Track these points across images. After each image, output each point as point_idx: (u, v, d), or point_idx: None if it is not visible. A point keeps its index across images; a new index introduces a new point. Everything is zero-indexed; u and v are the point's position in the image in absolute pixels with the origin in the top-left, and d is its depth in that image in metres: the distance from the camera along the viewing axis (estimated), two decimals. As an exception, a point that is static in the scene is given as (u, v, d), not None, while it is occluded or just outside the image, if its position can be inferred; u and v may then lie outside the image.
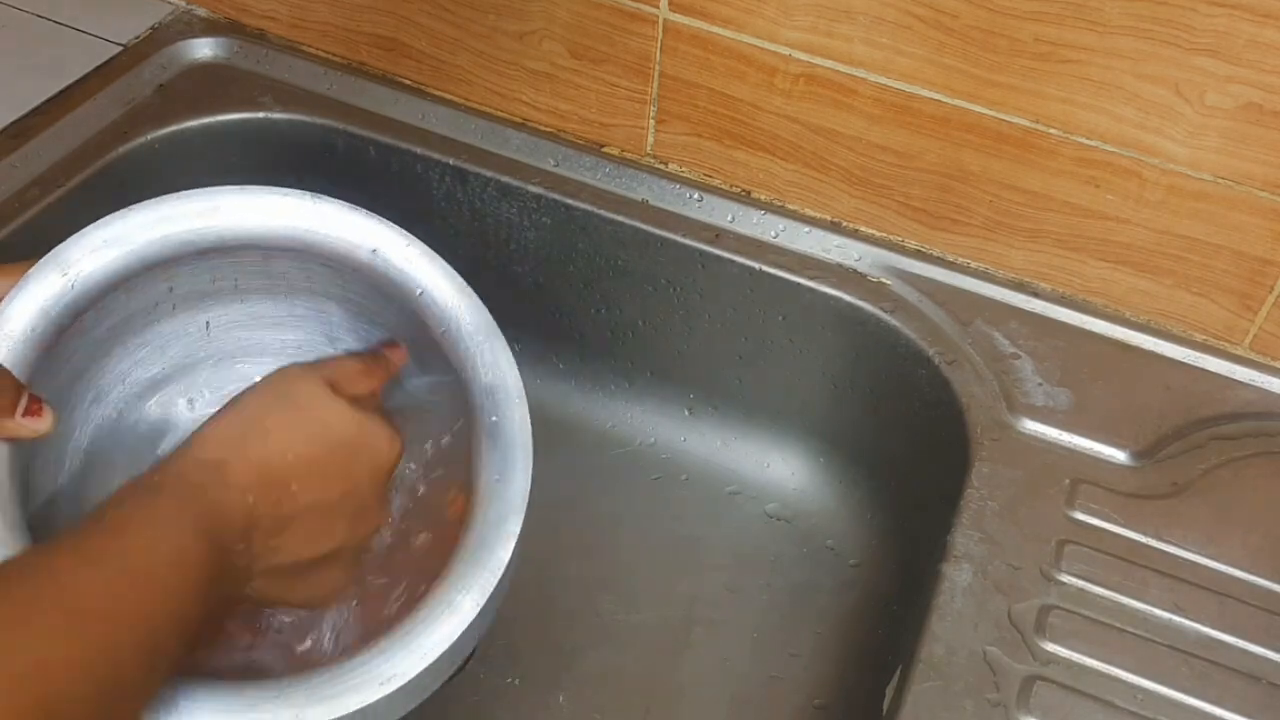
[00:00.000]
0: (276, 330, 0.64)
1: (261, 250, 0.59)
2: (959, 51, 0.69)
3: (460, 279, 0.60)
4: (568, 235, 0.81)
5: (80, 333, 0.55)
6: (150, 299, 0.59)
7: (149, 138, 0.80)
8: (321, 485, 0.51)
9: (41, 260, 0.54)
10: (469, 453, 0.57)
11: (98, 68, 0.83)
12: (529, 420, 0.58)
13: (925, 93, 0.71)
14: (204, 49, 0.87)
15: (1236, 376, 0.73)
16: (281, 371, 0.54)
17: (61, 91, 0.81)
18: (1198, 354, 0.74)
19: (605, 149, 0.83)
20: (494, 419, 0.57)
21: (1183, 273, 0.72)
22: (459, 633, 0.51)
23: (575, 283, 0.84)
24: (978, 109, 0.70)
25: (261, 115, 0.83)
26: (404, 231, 0.60)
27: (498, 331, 0.59)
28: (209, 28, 0.88)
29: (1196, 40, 0.63)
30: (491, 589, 0.53)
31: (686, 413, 0.87)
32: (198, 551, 0.45)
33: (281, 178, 0.85)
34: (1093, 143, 0.69)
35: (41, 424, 0.50)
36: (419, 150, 0.82)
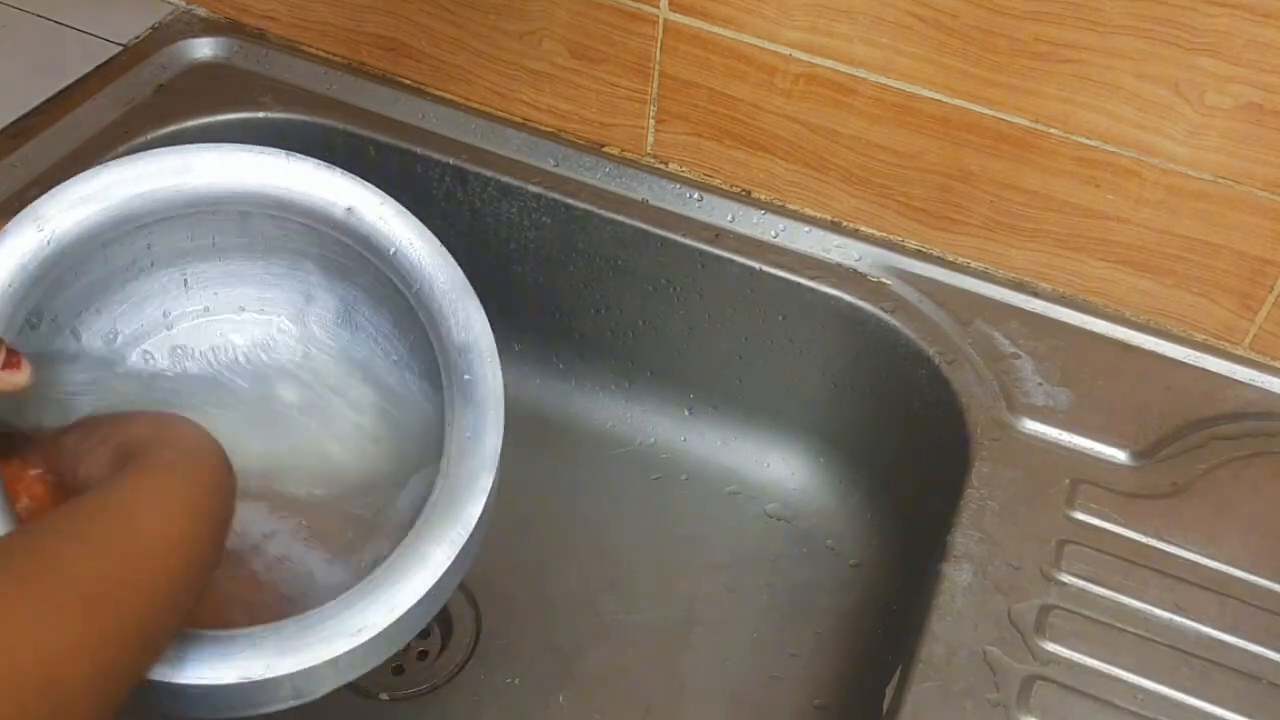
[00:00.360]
0: (254, 287, 0.65)
1: (238, 207, 0.59)
2: (959, 51, 0.69)
3: (435, 238, 0.60)
4: (568, 235, 0.81)
5: (59, 289, 0.55)
6: (129, 256, 0.60)
7: (149, 137, 0.80)
8: None
9: (17, 216, 0.54)
10: (442, 410, 0.58)
11: (98, 67, 0.83)
12: (501, 378, 0.58)
13: (925, 92, 0.71)
14: (204, 49, 0.87)
15: (1237, 376, 0.73)
16: None
17: (61, 91, 0.81)
18: (1198, 354, 0.74)
19: (605, 149, 0.83)
20: (466, 377, 0.58)
21: (1183, 272, 0.72)
22: (429, 586, 0.52)
23: (575, 283, 0.84)
24: (978, 109, 0.70)
25: (261, 115, 0.83)
26: (379, 190, 0.60)
27: (471, 291, 0.60)
28: (209, 27, 0.88)
29: (1197, 40, 0.63)
30: (462, 543, 0.53)
31: (686, 413, 0.87)
32: (193, 533, 0.45)
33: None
34: (1093, 142, 0.69)
35: (19, 377, 0.49)
36: (419, 150, 0.82)
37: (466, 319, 0.59)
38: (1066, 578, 0.62)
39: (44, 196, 0.55)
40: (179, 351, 0.65)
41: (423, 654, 0.77)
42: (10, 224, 0.54)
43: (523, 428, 0.85)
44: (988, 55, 0.68)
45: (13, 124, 0.78)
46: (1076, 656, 0.59)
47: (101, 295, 0.60)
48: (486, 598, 0.78)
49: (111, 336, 0.62)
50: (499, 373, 0.58)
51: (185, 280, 0.64)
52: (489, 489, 0.55)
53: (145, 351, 0.64)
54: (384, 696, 0.74)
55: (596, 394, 0.88)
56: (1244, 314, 0.72)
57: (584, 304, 0.85)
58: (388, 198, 0.60)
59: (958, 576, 0.62)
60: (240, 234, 0.62)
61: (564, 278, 0.84)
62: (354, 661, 0.51)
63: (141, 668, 0.43)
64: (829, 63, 0.72)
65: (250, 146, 0.59)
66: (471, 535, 0.54)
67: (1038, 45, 0.67)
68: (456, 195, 0.82)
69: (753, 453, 0.86)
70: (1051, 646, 0.59)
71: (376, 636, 0.51)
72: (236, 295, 0.65)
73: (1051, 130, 0.70)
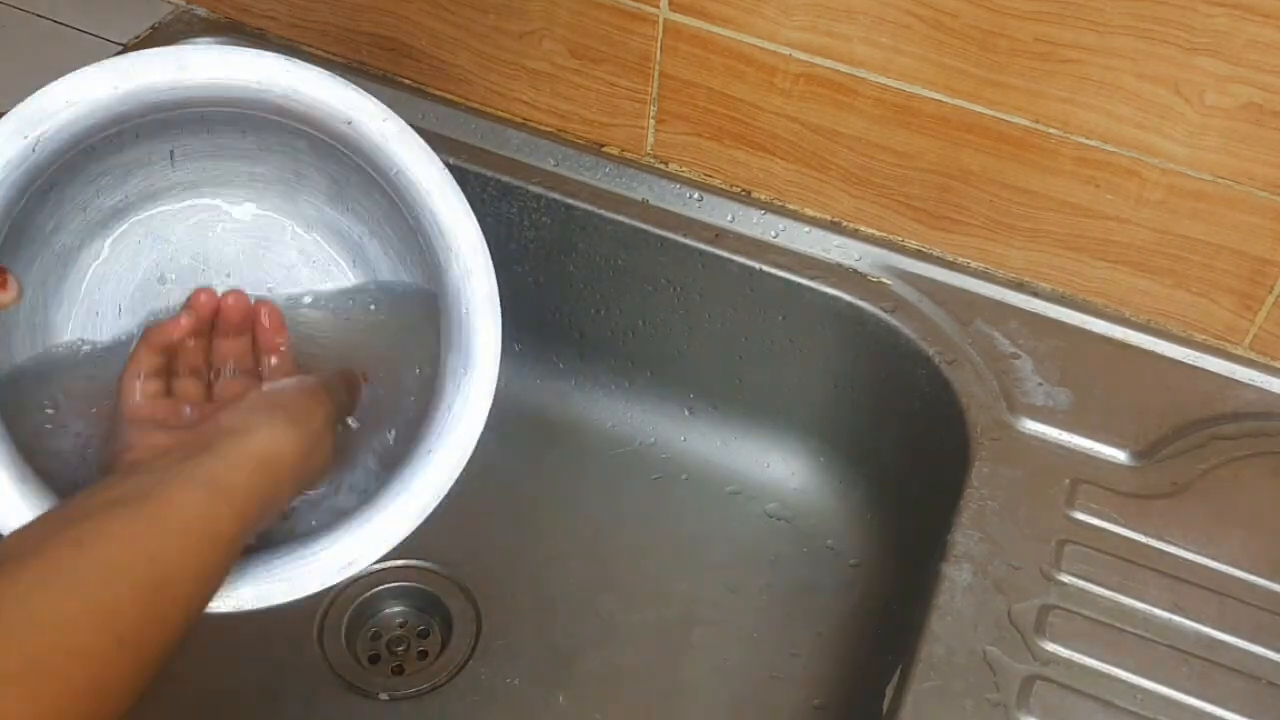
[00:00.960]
0: (243, 162, 0.63)
1: (233, 110, 0.57)
2: (959, 51, 0.69)
3: (437, 159, 0.59)
4: (568, 235, 0.81)
5: (43, 189, 0.54)
6: (108, 132, 0.56)
7: (149, 137, 0.80)
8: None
9: (1, 122, 0.52)
10: (439, 336, 0.58)
11: (98, 67, 0.83)
12: (498, 301, 0.58)
13: (925, 92, 0.71)
14: (204, 49, 0.87)
15: (1236, 376, 0.73)
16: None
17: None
18: (1198, 354, 0.74)
19: (605, 149, 0.83)
20: (464, 310, 0.58)
21: (1183, 272, 0.72)
22: (418, 521, 0.53)
23: (575, 283, 0.84)
24: (978, 109, 0.70)
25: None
26: (382, 105, 0.58)
27: (471, 216, 0.59)
28: (209, 27, 0.88)
29: (1196, 40, 0.63)
30: (450, 482, 0.55)
31: (686, 413, 0.87)
32: (234, 533, 0.48)
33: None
34: (1093, 142, 0.69)
35: (6, 295, 0.50)
36: (419, 150, 0.82)
37: (460, 231, 0.58)
38: (1066, 578, 0.62)
39: (29, 99, 0.52)
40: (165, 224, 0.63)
41: (423, 654, 0.77)
42: None
43: (523, 428, 0.85)
44: (988, 55, 0.68)
45: (13, 124, 0.78)
46: (1076, 656, 0.59)
47: (84, 166, 0.58)
48: (486, 598, 0.78)
49: (94, 208, 0.60)
50: (495, 290, 0.58)
51: (171, 152, 0.61)
52: (486, 411, 0.56)
53: (128, 225, 0.62)
54: (384, 696, 0.74)
55: (596, 394, 0.88)
56: (1244, 314, 0.72)
57: (584, 304, 0.85)
58: (390, 113, 0.58)
59: (958, 576, 0.62)
60: (231, 120, 0.60)
61: (564, 278, 0.83)
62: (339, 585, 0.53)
63: (177, 630, 0.45)
64: (829, 62, 0.72)
65: (247, 49, 0.56)
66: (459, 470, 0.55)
67: (1038, 45, 0.67)
68: (456, 195, 0.82)
69: (753, 453, 0.86)
70: (1051, 646, 0.59)
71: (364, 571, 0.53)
72: (224, 168, 0.63)
73: (1051, 130, 0.70)
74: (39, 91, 0.52)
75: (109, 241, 0.62)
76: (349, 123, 0.57)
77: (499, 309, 0.58)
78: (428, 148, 0.58)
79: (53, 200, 0.57)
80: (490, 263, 0.58)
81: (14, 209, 0.52)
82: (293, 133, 0.59)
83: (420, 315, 0.62)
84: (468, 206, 0.59)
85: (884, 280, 0.77)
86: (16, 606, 0.40)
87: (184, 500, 0.47)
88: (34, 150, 0.52)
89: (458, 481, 0.57)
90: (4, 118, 0.52)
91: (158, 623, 0.43)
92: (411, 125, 0.85)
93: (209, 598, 0.48)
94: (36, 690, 0.38)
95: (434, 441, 0.56)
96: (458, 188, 0.59)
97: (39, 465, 0.53)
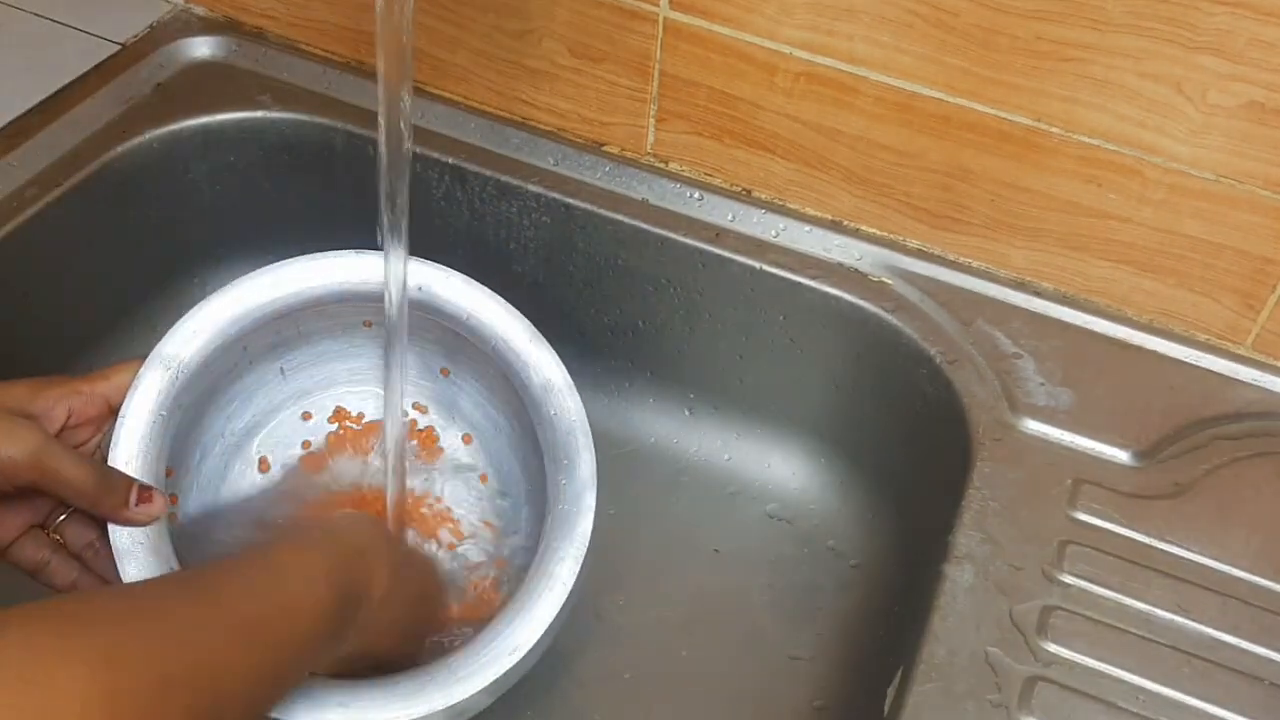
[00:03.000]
0: (341, 361, 0.73)
1: (322, 307, 0.66)
2: (960, 50, 0.68)
3: (500, 298, 0.66)
4: (568, 235, 0.81)
5: (179, 409, 0.61)
6: (229, 361, 0.66)
7: (147, 136, 0.80)
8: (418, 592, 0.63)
9: (148, 360, 0.60)
10: (536, 447, 0.65)
11: (96, 66, 0.83)
12: (583, 408, 0.65)
13: (926, 91, 0.71)
14: (202, 48, 0.87)
15: (1239, 376, 0.73)
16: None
17: (60, 90, 0.81)
18: (1200, 354, 0.73)
19: (605, 148, 0.82)
20: (552, 412, 0.64)
21: (1185, 272, 0.72)
22: (564, 599, 0.59)
23: (575, 283, 0.83)
24: (979, 108, 0.70)
25: (260, 114, 0.83)
26: (442, 266, 0.66)
27: (540, 337, 0.66)
28: (207, 26, 0.88)
29: (1199, 39, 0.63)
30: (582, 557, 0.60)
31: (686, 413, 0.87)
32: (330, 601, 0.51)
33: (280, 177, 0.86)
34: (1095, 141, 0.69)
35: (154, 509, 0.56)
36: (418, 149, 0.81)
37: (539, 362, 0.65)
38: (1068, 578, 0.62)
39: (166, 338, 0.61)
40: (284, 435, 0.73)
41: (422, 655, 0.77)
42: (143, 368, 0.60)
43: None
44: (989, 54, 0.68)
45: (11, 123, 0.78)
46: (1078, 657, 0.59)
47: (213, 400, 0.68)
48: (486, 598, 0.78)
49: (230, 432, 0.71)
50: (580, 403, 0.65)
51: (281, 369, 0.71)
52: (593, 507, 0.62)
53: (261, 438, 0.72)
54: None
55: (596, 394, 0.88)
56: (1246, 314, 0.72)
57: (584, 304, 0.84)
58: (451, 271, 0.66)
59: (959, 577, 0.62)
60: (322, 317, 0.69)
61: (564, 277, 0.83)
62: (509, 679, 0.59)
63: (274, 701, 0.50)
64: (830, 61, 0.72)
65: (329, 253, 0.65)
66: (587, 549, 0.61)
67: (1039, 44, 0.66)
68: (456, 195, 0.82)
69: (753, 453, 0.86)
70: (1053, 647, 0.59)
71: (529, 652, 0.58)
72: (327, 370, 0.73)
73: (1053, 129, 0.69)
74: (172, 329, 0.61)
75: (249, 452, 0.72)
76: (419, 289, 0.65)
77: (583, 407, 0.65)
78: (487, 289, 0.66)
79: (194, 436, 0.67)
80: (566, 373, 0.65)
81: (167, 438, 0.59)
82: (378, 324, 0.68)
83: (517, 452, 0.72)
84: (535, 332, 0.66)
85: (885, 280, 0.77)
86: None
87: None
88: (175, 379, 0.60)
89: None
90: (148, 357, 0.60)
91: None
92: (411, 125, 0.85)
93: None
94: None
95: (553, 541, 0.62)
96: (522, 318, 0.66)
97: None
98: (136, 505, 0.55)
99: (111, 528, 0.56)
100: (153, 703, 0.39)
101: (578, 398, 0.65)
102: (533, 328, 0.66)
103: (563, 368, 0.65)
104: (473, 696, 0.56)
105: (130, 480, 0.56)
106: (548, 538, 0.61)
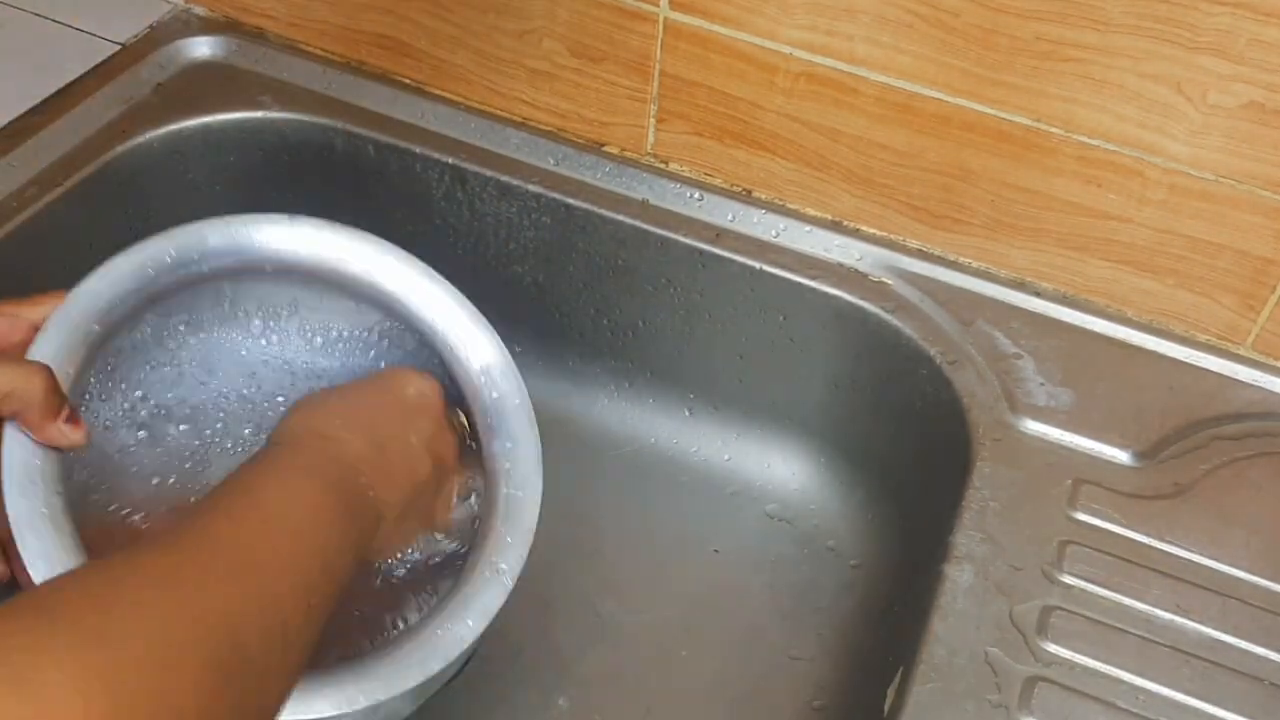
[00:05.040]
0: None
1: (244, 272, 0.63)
2: (960, 50, 0.68)
3: (438, 275, 0.64)
4: (568, 235, 0.81)
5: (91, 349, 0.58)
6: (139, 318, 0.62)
7: (147, 137, 0.80)
8: (398, 427, 0.58)
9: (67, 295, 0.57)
10: (477, 433, 0.62)
11: (96, 66, 0.83)
12: (525, 389, 0.63)
13: (926, 91, 0.71)
14: (202, 48, 0.87)
15: (1239, 377, 0.73)
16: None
17: (60, 90, 0.81)
18: (1200, 354, 0.73)
19: (605, 148, 0.82)
20: (494, 395, 0.62)
21: (1185, 272, 0.72)
22: (509, 588, 0.57)
23: (575, 283, 0.83)
24: (979, 108, 0.70)
25: (260, 114, 0.83)
26: (376, 238, 0.64)
27: (480, 317, 0.63)
28: (207, 26, 0.88)
29: (1199, 39, 0.63)
30: (529, 543, 0.59)
31: (686, 413, 0.87)
32: (330, 505, 0.50)
33: (280, 177, 0.85)
34: (1094, 142, 0.69)
35: (78, 434, 0.53)
36: (418, 150, 0.81)
37: (478, 342, 0.63)
38: (1068, 578, 0.62)
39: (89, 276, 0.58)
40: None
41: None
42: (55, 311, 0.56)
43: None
44: (989, 54, 0.68)
45: (11, 123, 0.78)
46: (1078, 657, 0.59)
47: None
48: (486, 598, 0.78)
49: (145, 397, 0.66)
50: (523, 386, 0.62)
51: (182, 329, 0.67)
52: (539, 498, 0.61)
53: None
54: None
55: (596, 394, 0.88)
56: (1246, 314, 0.72)
57: (584, 304, 0.84)
58: (386, 244, 0.63)
59: (959, 577, 0.62)
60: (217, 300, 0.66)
61: (564, 278, 0.83)
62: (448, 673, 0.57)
63: (305, 632, 0.45)
64: (830, 62, 0.72)
65: (252, 216, 0.63)
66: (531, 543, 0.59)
67: (1039, 44, 0.66)
68: (456, 195, 0.82)
69: (753, 453, 0.86)
70: (1053, 647, 0.59)
71: (467, 649, 0.56)
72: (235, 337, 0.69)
73: (1053, 129, 0.69)
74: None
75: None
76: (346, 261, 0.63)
77: (525, 390, 0.63)
78: (421, 265, 0.63)
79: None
80: (508, 356, 0.63)
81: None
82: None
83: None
84: (475, 311, 0.63)
85: (885, 280, 0.77)
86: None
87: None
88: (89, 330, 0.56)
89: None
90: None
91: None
92: (411, 124, 0.86)
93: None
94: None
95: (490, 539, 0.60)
96: (459, 295, 0.63)
97: None
98: (65, 423, 0.52)
99: (8, 486, 0.51)
100: (164, 671, 0.37)
101: (520, 379, 0.63)
102: (473, 308, 0.63)
103: (503, 348, 0.63)
104: (415, 688, 0.54)
105: (64, 396, 0.53)
106: (493, 522, 0.59)
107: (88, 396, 0.62)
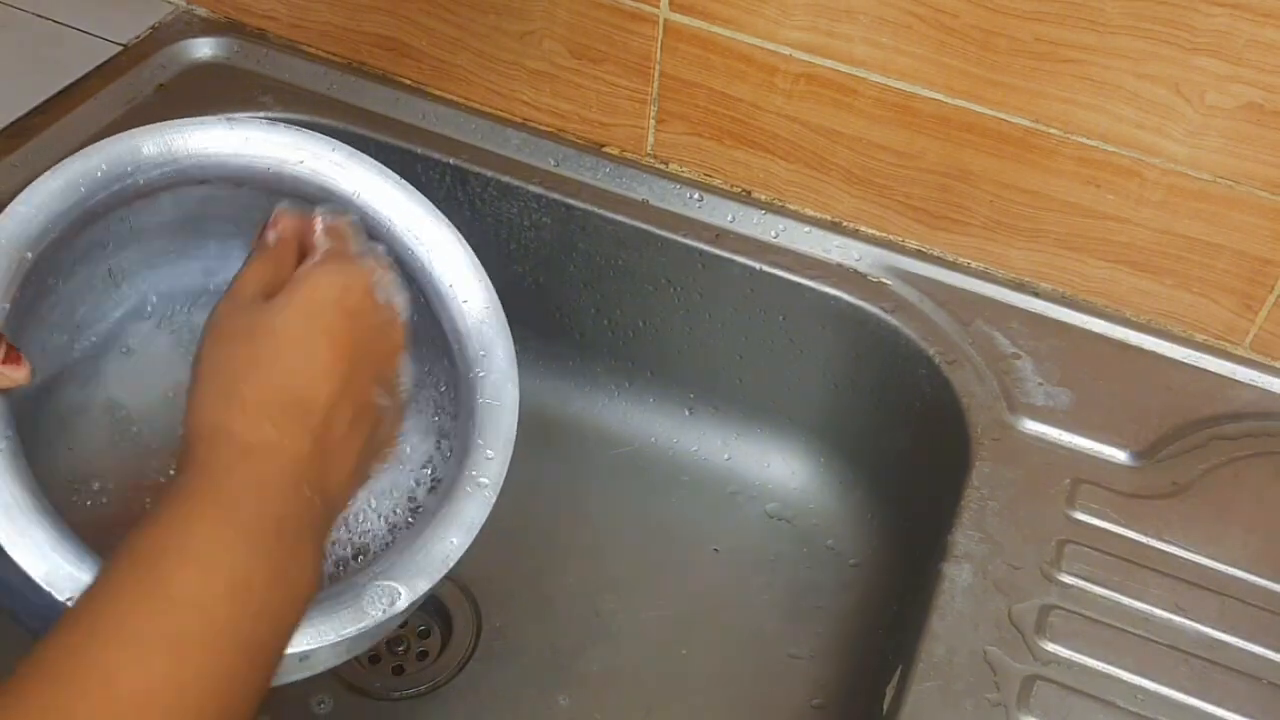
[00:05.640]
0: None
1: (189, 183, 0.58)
2: (959, 51, 0.69)
3: (393, 174, 0.59)
4: (568, 235, 0.81)
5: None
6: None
7: (149, 137, 0.80)
8: (337, 383, 0.49)
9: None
10: (445, 343, 0.58)
11: (98, 67, 0.83)
12: (495, 296, 0.59)
13: (926, 92, 0.71)
14: (204, 49, 0.87)
15: (1237, 376, 0.73)
16: (210, 323, 0.50)
17: (62, 91, 0.81)
18: (1198, 354, 0.74)
19: (605, 149, 0.83)
20: (465, 301, 0.58)
21: (1183, 272, 0.72)
22: (493, 501, 0.55)
23: (575, 283, 0.84)
24: (978, 109, 0.70)
25: (262, 115, 0.83)
26: (326, 139, 0.58)
27: (442, 217, 0.59)
28: (209, 27, 0.88)
29: (1197, 40, 0.63)
30: (510, 454, 0.56)
31: (686, 413, 0.87)
32: (261, 570, 0.43)
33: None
34: (1093, 142, 0.69)
35: (20, 373, 0.49)
36: (419, 150, 0.82)
37: (442, 242, 0.59)
38: (1067, 578, 0.62)
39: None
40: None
41: (423, 654, 0.77)
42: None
43: (523, 428, 0.85)
44: (988, 55, 0.68)
45: (13, 124, 0.78)
46: (1077, 656, 0.59)
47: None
48: (486, 598, 0.78)
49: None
50: (493, 294, 0.58)
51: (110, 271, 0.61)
52: (516, 403, 0.57)
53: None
54: (384, 696, 0.74)
55: (596, 394, 0.88)
56: (1244, 314, 0.72)
57: (584, 304, 0.85)
58: (336, 143, 0.58)
59: (958, 576, 0.62)
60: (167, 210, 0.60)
61: (564, 278, 0.83)
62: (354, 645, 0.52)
63: (265, 662, 0.43)
64: (829, 62, 0.72)
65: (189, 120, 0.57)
66: (510, 453, 0.56)
67: (1038, 45, 0.67)
68: (456, 195, 0.82)
69: (753, 453, 0.86)
70: (1052, 646, 0.59)
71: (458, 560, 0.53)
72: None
73: (1052, 130, 0.69)
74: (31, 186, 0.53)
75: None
76: (301, 162, 0.58)
77: (496, 297, 0.59)
78: (379, 167, 0.59)
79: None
80: (474, 256, 0.59)
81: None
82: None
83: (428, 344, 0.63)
84: (437, 212, 0.59)
85: (884, 280, 0.77)
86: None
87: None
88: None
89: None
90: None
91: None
92: (412, 125, 0.86)
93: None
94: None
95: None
96: (419, 195, 0.59)
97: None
98: (5, 363, 0.48)
99: None
100: None
101: (488, 282, 0.59)
102: (433, 207, 0.59)
103: (469, 250, 0.59)
104: (405, 610, 0.52)
105: (1, 333, 0.49)
106: (471, 435, 0.56)
107: (26, 328, 0.56)
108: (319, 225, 0.54)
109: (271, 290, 0.51)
